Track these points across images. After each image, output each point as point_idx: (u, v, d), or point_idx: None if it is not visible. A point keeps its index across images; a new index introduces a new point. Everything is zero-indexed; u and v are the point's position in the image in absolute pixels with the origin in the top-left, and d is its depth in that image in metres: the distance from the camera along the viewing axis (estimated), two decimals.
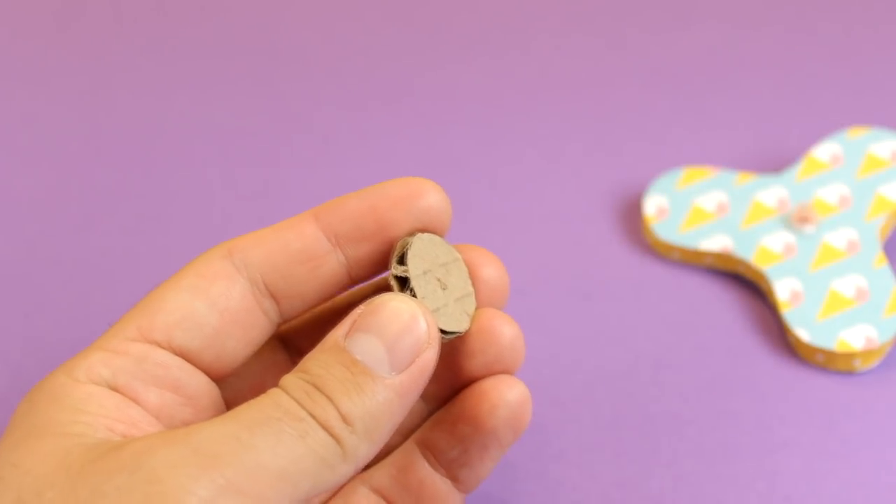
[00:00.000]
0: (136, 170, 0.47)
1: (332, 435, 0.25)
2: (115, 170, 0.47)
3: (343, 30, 0.54)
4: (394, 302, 0.27)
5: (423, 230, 0.30)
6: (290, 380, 0.26)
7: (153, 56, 0.53)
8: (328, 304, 0.33)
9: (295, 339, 0.33)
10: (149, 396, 0.28)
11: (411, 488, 0.31)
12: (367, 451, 0.26)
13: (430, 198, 0.29)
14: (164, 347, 0.28)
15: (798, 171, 0.44)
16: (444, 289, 0.29)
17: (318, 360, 0.26)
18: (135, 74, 0.52)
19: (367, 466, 0.32)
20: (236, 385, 0.31)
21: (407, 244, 0.29)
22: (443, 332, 0.28)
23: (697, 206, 0.43)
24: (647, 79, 0.50)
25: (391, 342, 0.26)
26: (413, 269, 0.28)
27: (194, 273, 0.29)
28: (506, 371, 0.30)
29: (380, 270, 0.30)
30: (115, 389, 0.27)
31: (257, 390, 0.30)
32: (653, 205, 0.43)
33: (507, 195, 0.45)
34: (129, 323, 0.28)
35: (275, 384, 0.26)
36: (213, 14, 0.55)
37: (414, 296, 0.28)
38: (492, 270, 0.31)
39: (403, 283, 0.29)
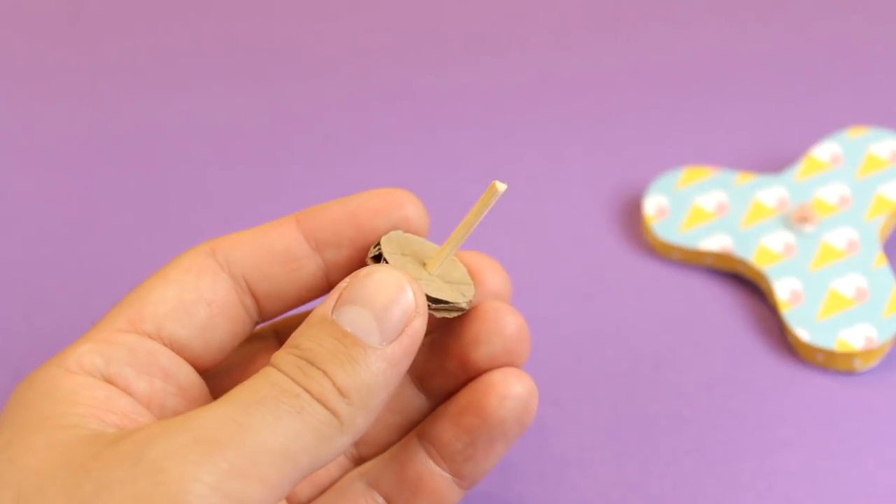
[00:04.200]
0: (136, 170, 0.47)
1: (328, 408, 0.25)
2: (115, 170, 0.47)
3: (343, 30, 0.54)
4: (379, 272, 0.27)
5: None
6: (282, 356, 0.26)
7: (153, 56, 0.53)
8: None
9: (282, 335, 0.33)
10: (140, 384, 0.28)
11: (410, 483, 0.31)
12: (363, 422, 0.26)
13: (409, 209, 0.30)
14: (153, 338, 0.28)
15: (798, 171, 0.44)
16: (424, 265, 0.29)
17: (307, 334, 0.26)
18: (135, 74, 0.52)
19: (365, 460, 0.32)
20: (225, 382, 0.31)
21: (380, 237, 0.30)
22: (435, 303, 0.29)
23: (697, 206, 0.43)
24: (647, 79, 0.50)
25: (380, 312, 0.26)
26: (386, 249, 0.29)
27: (180, 268, 0.29)
28: (512, 364, 0.31)
29: None
30: (107, 378, 0.27)
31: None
32: (653, 205, 0.43)
33: (508, 196, 0.45)
34: (118, 315, 0.28)
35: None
36: (213, 14, 0.55)
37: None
38: (494, 276, 0.32)
39: (377, 261, 0.29)
